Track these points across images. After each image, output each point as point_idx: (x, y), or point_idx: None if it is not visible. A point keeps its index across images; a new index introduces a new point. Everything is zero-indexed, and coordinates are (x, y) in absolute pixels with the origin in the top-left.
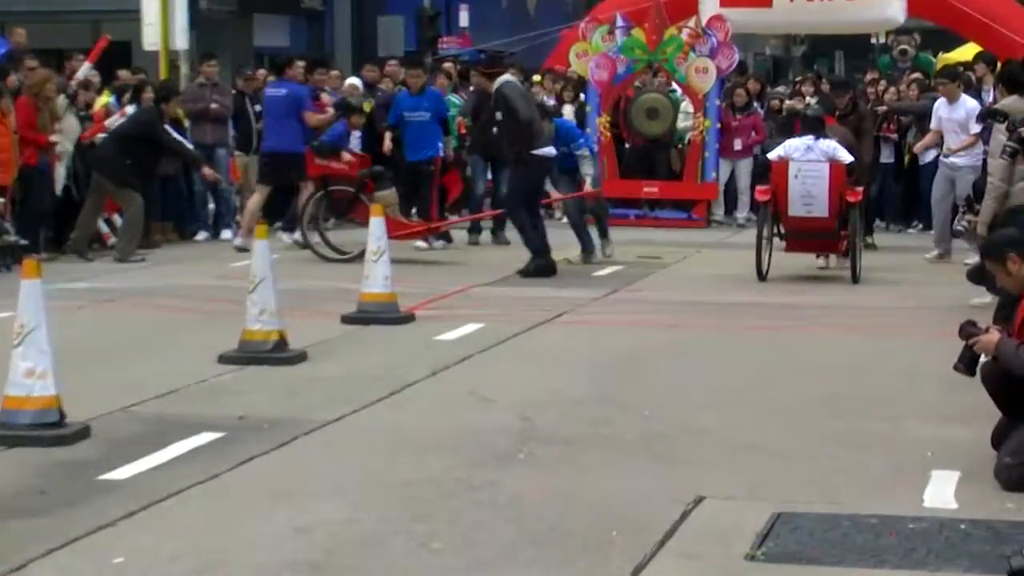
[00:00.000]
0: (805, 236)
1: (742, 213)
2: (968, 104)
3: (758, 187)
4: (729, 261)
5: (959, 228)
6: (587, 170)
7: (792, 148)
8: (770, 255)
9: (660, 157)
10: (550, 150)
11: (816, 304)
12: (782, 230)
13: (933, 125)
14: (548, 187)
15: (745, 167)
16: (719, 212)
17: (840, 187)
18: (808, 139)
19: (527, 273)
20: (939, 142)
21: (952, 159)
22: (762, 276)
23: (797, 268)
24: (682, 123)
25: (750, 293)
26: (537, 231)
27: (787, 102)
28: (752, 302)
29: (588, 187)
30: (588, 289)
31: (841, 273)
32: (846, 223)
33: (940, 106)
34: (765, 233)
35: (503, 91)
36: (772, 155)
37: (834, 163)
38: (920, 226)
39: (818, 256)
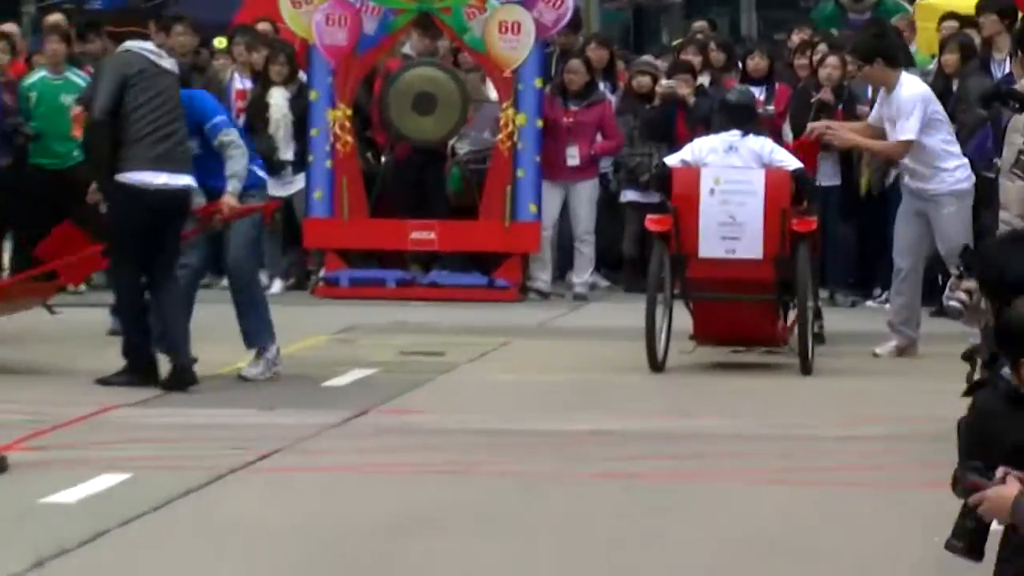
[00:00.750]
0: (723, 295)
1: (582, 276)
2: (907, 91)
3: (650, 216)
4: (561, 359)
5: (952, 304)
6: (236, 167)
7: (705, 149)
8: (669, 327)
9: (440, 179)
10: (152, 179)
11: (717, 431)
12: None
13: (872, 118)
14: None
15: (586, 196)
16: (542, 275)
17: (781, 208)
18: (730, 136)
19: (108, 381)
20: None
21: (916, 182)
22: (657, 361)
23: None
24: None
25: (600, 413)
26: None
27: (663, 82)
28: (605, 430)
29: (228, 199)
30: (316, 410)
31: (778, 360)
32: (788, 283)
33: (880, 97)
34: (661, 298)
35: (97, 67)
36: (673, 160)
37: (772, 171)
38: (883, 295)
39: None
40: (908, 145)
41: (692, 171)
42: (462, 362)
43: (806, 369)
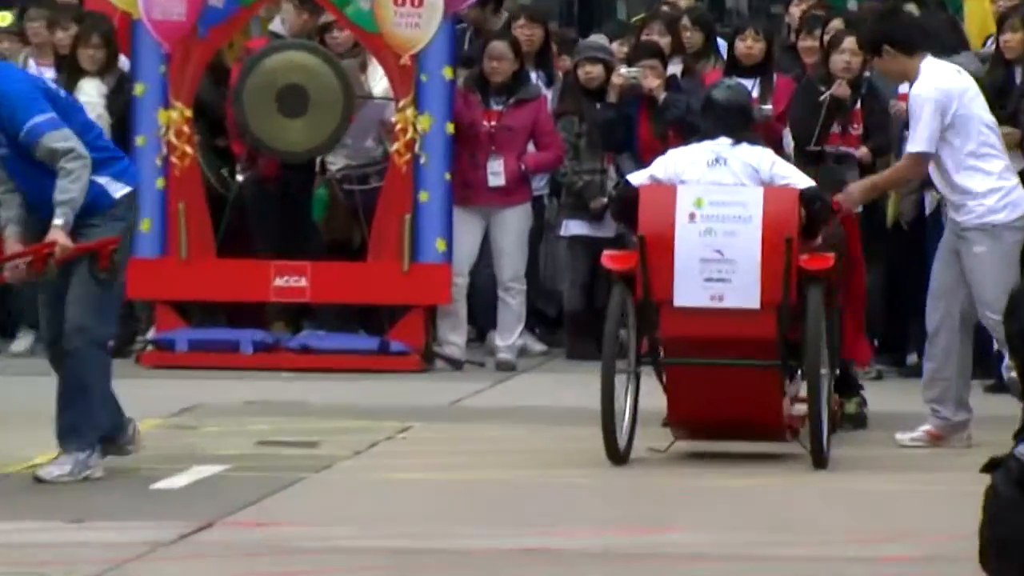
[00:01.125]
0: (706, 360)
1: (509, 337)
2: (917, 87)
3: (608, 253)
4: (481, 451)
5: (1013, 375)
6: (70, 189)
7: (683, 162)
8: (635, 405)
9: (354, 206)
10: None
11: (692, 548)
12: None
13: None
14: None
15: (514, 227)
16: (454, 337)
17: (786, 239)
18: (717, 144)
19: None
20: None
21: (949, 210)
22: (617, 452)
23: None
24: (366, 120)
25: (534, 526)
26: None
27: (622, 70)
28: (540, 548)
29: (57, 235)
30: (142, 522)
31: (778, 450)
32: (796, 347)
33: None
34: (621, 364)
35: None
36: (639, 177)
37: (774, 190)
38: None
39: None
40: (916, 160)
41: (664, 190)
42: (344, 456)
43: (819, 461)
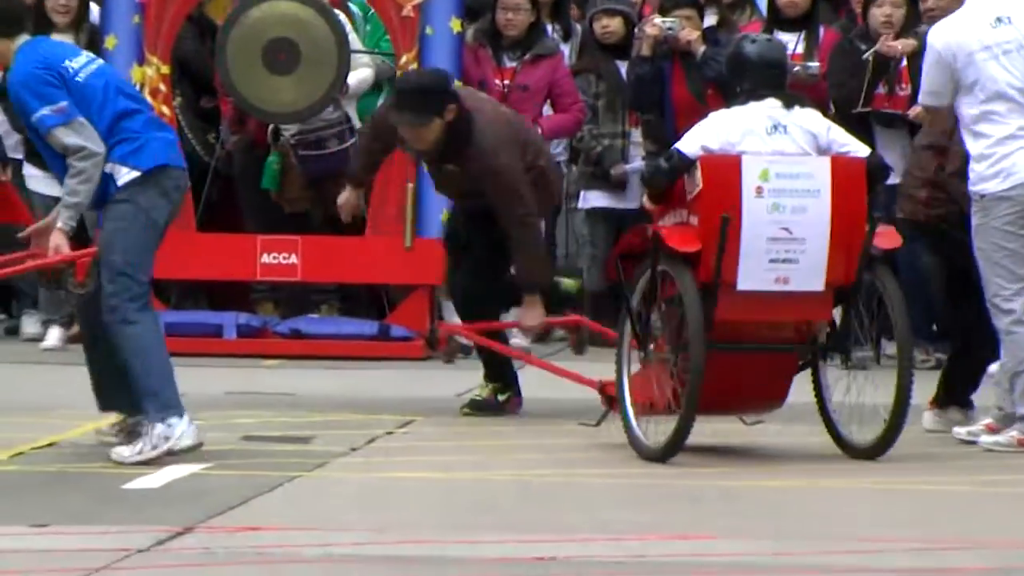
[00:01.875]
0: (762, 345)
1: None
2: (930, 35)
3: (667, 229)
4: (492, 448)
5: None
6: (78, 191)
7: (737, 129)
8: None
9: (311, 174)
10: None
11: (725, 558)
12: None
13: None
14: None
15: None
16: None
17: (859, 218)
18: (772, 108)
19: None
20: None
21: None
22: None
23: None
24: (357, 78)
25: (550, 532)
26: None
27: (656, 20)
28: (557, 557)
29: (56, 239)
30: (114, 527)
31: (823, 447)
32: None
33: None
34: (653, 356)
35: None
36: (691, 146)
37: (841, 160)
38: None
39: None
40: (925, 115)
41: (727, 160)
42: (339, 453)
43: (882, 452)
